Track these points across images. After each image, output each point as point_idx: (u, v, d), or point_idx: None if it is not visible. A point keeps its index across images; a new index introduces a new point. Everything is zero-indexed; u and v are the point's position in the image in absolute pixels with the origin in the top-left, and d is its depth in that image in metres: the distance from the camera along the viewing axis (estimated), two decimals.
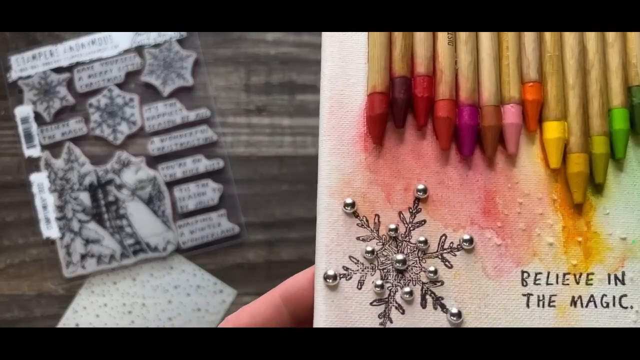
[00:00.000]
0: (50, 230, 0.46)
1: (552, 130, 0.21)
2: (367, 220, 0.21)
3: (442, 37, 0.21)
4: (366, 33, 0.22)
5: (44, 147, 0.47)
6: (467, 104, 0.21)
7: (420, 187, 0.21)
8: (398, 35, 0.21)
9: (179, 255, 0.46)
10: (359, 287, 0.20)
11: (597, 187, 0.21)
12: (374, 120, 0.21)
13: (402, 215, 0.21)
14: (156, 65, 0.46)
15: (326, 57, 0.21)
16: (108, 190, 0.46)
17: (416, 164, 0.21)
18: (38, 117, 0.47)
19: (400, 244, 0.21)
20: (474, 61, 0.21)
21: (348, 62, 0.21)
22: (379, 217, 0.21)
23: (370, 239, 0.21)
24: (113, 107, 0.46)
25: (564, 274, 0.21)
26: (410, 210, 0.21)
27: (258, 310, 0.22)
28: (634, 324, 0.21)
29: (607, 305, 0.21)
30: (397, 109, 0.21)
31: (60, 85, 0.47)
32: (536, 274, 0.21)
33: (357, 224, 0.21)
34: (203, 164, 0.46)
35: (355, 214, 0.21)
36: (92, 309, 0.46)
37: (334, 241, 0.21)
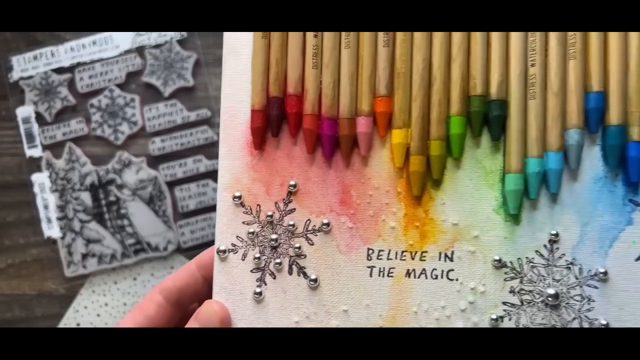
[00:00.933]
0: (51, 230, 0.47)
1: (397, 136, 0.25)
2: (250, 209, 0.26)
3: (309, 62, 0.26)
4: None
5: (45, 147, 0.47)
6: (327, 117, 0.25)
7: (292, 183, 0.26)
8: (272, 62, 0.26)
9: (180, 255, 0.47)
10: (243, 258, 0.26)
11: (436, 182, 0.25)
12: (254, 132, 0.26)
13: (277, 205, 0.26)
14: (157, 66, 0.46)
15: (224, 79, 0.26)
16: (109, 190, 0.47)
17: (289, 165, 0.26)
18: (39, 117, 0.47)
19: (275, 227, 0.26)
20: (334, 81, 0.25)
21: (239, 84, 0.26)
22: (260, 206, 0.26)
23: (253, 223, 0.26)
24: (114, 107, 0.47)
25: (402, 252, 0.25)
26: (284, 201, 0.26)
27: (178, 275, 0.28)
28: (457, 293, 0.25)
29: (436, 277, 0.25)
30: (271, 123, 0.26)
31: (62, 86, 0.47)
32: (379, 251, 0.25)
33: (243, 212, 0.26)
34: (204, 164, 0.46)
35: (242, 204, 0.26)
36: (93, 309, 0.47)
37: (225, 225, 0.26)
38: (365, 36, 0.25)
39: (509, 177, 0.24)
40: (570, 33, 0.24)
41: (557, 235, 0.24)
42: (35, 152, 0.47)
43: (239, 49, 0.27)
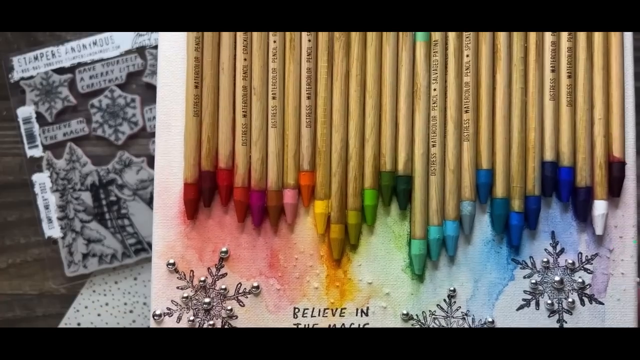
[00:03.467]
0: (52, 230, 0.47)
1: (319, 206, 0.28)
2: (184, 274, 0.28)
3: (238, 139, 0.28)
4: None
5: (45, 147, 0.47)
6: (256, 190, 0.28)
7: (224, 249, 0.28)
8: (204, 139, 0.28)
9: None
10: (178, 321, 0.28)
11: (353, 246, 0.29)
12: (187, 203, 0.28)
13: (210, 270, 0.29)
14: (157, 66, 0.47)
15: (157, 150, 0.29)
16: (110, 190, 0.47)
17: (221, 232, 0.29)
18: (40, 118, 0.47)
19: (207, 291, 0.28)
20: (262, 157, 0.28)
21: (171, 157, 0.29)
22: (193, 272, 0.28)
23: (187, 288, 0.28)
24: (114, 107, 0.47)
25: (324, 309, 0.29)
26: (216, 266, 0.29)
27: None
28: None
29: None
30: (204, 195, 0.28)
31: (62, 86, 0.47)
32: (304, 309, 0.29)
33: (177, 277, 0.28)
34: None
35: (176, 270, 0.28)
36: (93, 309, 0.47)
37: (160, 290, 0.28)
38: (290, 117, 0.28)
39: (414, 243, 0.28)
40: (464, 118, 0.28)
41: (454, 290, 0.29)
42: (36, 152, 0.47)
43: (171, 122, 0.29)
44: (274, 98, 0.28)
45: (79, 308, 0.47)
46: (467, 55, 0.28)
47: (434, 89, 0.28)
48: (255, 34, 0.28)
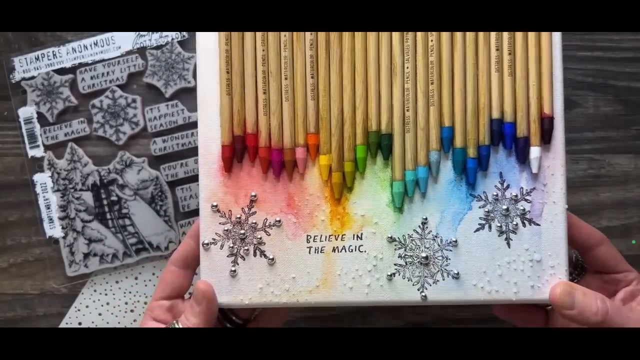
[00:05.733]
0: (53, 229, 0.47)
1: (322, 159, 0.37)
2: (224, 213, 0.37)
3: (260, 111, 0.37)
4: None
5: (47, 148, 0.47)
6: (275, 149, 0.37)
7: (253, 193, 0.37)
8: (235, 112, 0.37)
9: None
10: (221, 248, 0.37)
11: (349, 189, 0.37)
12: (224, 160, 0.37)
13: (243, 209, 0.37)
14: (158, 67, 0.46)
15: (200, 122, 0.37)
16: (111, 190, 0.46)
17: (250, 181, 0.37)
18: (41, 118, 0.47)
19: (242, 225, 0.37)
20: (278, 124, 0.37)
21: (210, 126, 0.37)
22: (231, 211, 0.37)
23: (226, 223, 0.37)
24: (115, 108, 0.46)
25: (329, 235, 0.37)
26: (248, 206, 0.37)
27: (179, 248, 0.38)
28: (365, 260, 0.37)
29: (352, 251, 0.37)
30: (237, 153, 0.37)
31: (63, 86, 0.47)
32: (314, 236, 0.37)
33: (219, 215, 0.37)
34: None
35: (218, 210, 0.37)
36: (94, 308, 0.47)
37: (207, 225, 0.37)
38: (299, 93, 0.37)
39: (395, 184, 0.38)
40: (430, 88, 0.37)
41: (426, 219, 0.38)
42: (37, 152, 0.47)
43: (208, 100, 0.38)
44: (285, 79, 0.37)
45: (80, 307, 0.47)
46: (432, 40, 0.37)
47: (407, 67, 0.37)
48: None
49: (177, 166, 0.47)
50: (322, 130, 0.37)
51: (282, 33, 0.37)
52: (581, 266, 0.41)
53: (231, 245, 0.37)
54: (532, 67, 0.37)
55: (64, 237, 0.46)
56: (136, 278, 0.47)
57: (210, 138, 0.37)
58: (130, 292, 0.47)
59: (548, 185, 0.38)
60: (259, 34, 0.37)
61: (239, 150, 0.37)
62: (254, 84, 0.37)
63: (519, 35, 0.37)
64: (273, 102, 0.37)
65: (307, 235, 0.38)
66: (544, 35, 0.37)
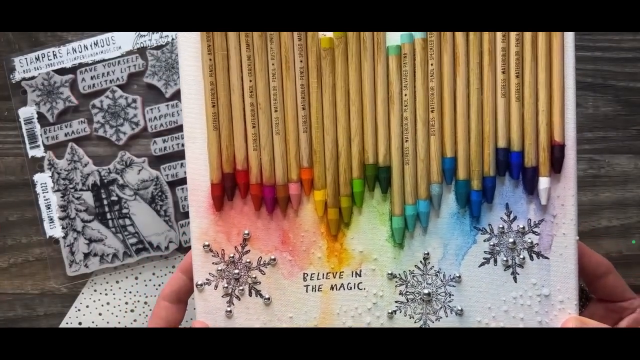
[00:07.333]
0: (53, 229, 0.47)
1: (317, 195, 0.36)
2: (217, 253, 0.36)
3: (250, 145, 0.35)
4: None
5: (47, 148, 0.47)
6: (267, 185, 0.35)
7: (246, 232, 0.36)
8: (223, 148, 0.35)
9: (181, 254, 0.48)
10: (215, 288, 0.36)
11: (346, 224, 0.36)
12: (214, 198, 0.36)
13: (236, 248, 0.36)
14: (158, 67, 0.46)
15: (188, 159, 0.36)
16: (111, 190, 0.46)
17: (242, 219, 0.36)
18: (41, 118, 0.47)
19: (236, 264, 0.36)
20: (269, 159, 0.35)
21: (199, 163, 0.36)
22: (224, 250, 0.36)
23: (219, 263, 0.36)
24: (116, 108, 0.46)
25: (327, 273, 0.36)
26: (241, 245, 0.36)
27: (170, 282, 0.37)
28: (365, 298, 0.36)
29: (351, 289, 0.36)
30: (227, 191, 0.36)
31: (64, 86, 0.47)
32: (311, 274, 0.36)
33: (212, 255, 0.36)
34: None
35: (210, 250, 0.36)
36: (94, 308, 0.47)
37: (200, 265, 0.36)
38: (290, 125, 0.35)
39: (394, 219, 0.36)
40: (431, 116, 0.35)
41: (428, 254, 0.36)
42: (37, 152, 0.47)
43: (196, 136, 0.36)
44: (275, 111, 0.35)
45: (80, 307, 0.47)
46: (432, 64, 0.35)
47: (405, 94, 0.35)
48: (257, 58, 0.35)
49: (177, 166, 0.47)
50: (316, 165, 0.35)
51: (270, 60, 0.35)
52: (586, 296, 0.39)
53: (225, 285, 0.36)
54: (542, 91, 0.35)
55: (64, 237, 0.47)
56: (136, 278, 0.47)
57: (199, 174, 0.36)
58: (130, 292, 0.47)
59: (558, 216, 0.35)
60: (244, 63, 0.35)
61: (229, 188, 0.36)
62: (242, 118, 0.35)
63: (527, 56, 0.34)
64: (263, 136, 0.35)
65: (304, 273, 0.36)
66: (555, 56, 0.34)
